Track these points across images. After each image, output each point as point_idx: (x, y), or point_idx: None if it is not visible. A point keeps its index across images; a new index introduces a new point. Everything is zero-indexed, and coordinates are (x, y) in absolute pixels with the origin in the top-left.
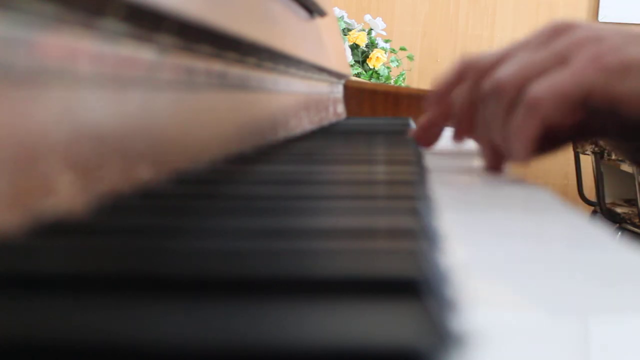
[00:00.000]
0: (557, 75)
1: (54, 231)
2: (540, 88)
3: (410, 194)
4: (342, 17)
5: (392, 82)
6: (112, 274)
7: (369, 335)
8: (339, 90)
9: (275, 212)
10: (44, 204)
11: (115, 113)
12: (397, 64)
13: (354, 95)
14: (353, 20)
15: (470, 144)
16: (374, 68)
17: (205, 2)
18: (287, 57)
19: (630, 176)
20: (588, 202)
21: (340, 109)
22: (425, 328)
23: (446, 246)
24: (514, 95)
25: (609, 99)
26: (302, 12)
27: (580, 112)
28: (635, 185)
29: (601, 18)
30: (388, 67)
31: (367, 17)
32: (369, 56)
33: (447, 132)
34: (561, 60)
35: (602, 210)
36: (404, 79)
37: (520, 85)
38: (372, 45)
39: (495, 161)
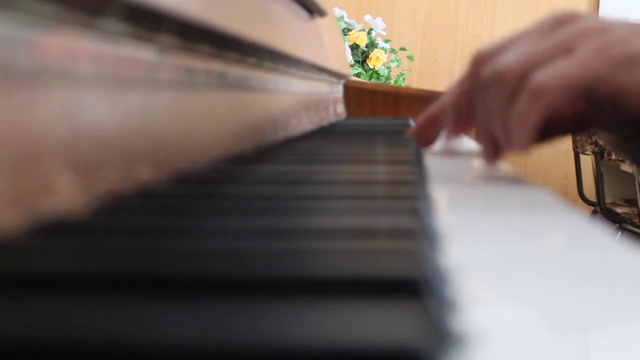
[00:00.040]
0: (563, 64)
1: (54, 231)
2: (546, 76)
3: (410, 194)
4: (342, 17)
5: (392, 82)
6: (112, 273)
7: (368, 335)
8: (339, 90)
9: (275, 212)
10: (44, 204)
11: (115, 113)
12: (397, 64)
13: (354, 95)
14: (353, 20)
15: (471, 145)
16: (374, 68)
17: (205, 2)
18: (287, 57)
19: (630, 176)
20: (588, 202)
21: (340, 109)
22: (425, 328)
23: (446, 246)
24: (516, 83)
25: (614, 90)
26: (302, 12)
27: (581, 102)
28: (635, 185)
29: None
30: (388, 67)
31: (367, 17)
32: (369, 56)
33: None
34: (565, 50)
35: (602, 210)
36: (404, 79)
37: (523, 74)
38: (372, 45)
39: (493, 152)
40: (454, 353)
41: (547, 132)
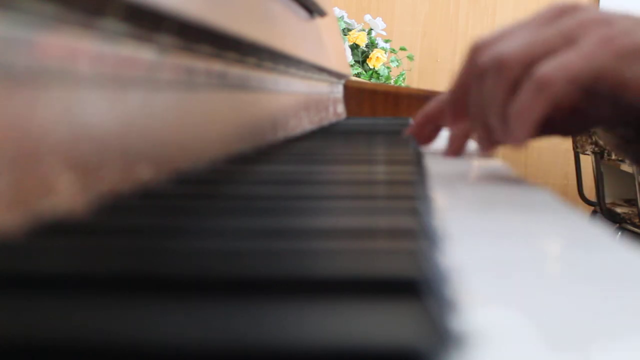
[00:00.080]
0: (568, 56)
1: (54, 231)
2: (551, 67)
3: (410, 194)
4: (342, 17)
5: (392, 82)
6: (112, 273)
7: (369, 335)
8: (339, 90)
9: (275, 212)
10: (44, 204)
11: (115, 113)
12: (397, 64)
13: (354, 95)
14: (353, 20)
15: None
16: (374, 68)
17: (205, 2)
18: (287, 57)
19: (630, 176)
20: (588, 202)
21: (340, 109)
22: (425, 328)
23: (446, 246)
24: (518, 72)
25: (618, 82)
26: (302, 12)
27: (579, 95)
28: (635, 185)
29: None
30: (388, 67)
31: (367, 17)
32: (369, 56)
33: (445, 132)
34: (568, 41)
35: (602, 210)
36: (404, 79)
37: (525, 63)
38: (372, 45)
39: (488, 142)
40: (454, 353)
41: (543, 126)
